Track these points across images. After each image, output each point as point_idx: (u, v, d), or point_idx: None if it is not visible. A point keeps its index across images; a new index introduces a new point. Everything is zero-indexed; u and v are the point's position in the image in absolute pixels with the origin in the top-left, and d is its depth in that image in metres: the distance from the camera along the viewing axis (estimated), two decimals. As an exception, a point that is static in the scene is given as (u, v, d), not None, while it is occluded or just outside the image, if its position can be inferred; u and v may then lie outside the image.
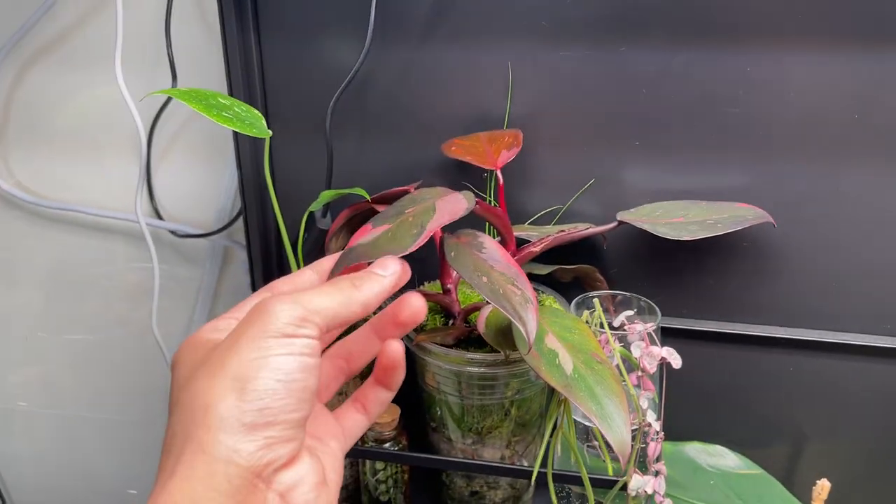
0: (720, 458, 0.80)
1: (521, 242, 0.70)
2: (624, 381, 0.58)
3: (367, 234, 0.57)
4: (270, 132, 0.64)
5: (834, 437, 0.78)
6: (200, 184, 0.88)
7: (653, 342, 0.60)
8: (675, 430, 0.80)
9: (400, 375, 0.45)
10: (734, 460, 0.80)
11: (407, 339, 0.67)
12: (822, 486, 0.76)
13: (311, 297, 0.36)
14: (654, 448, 0.60)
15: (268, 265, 0.82)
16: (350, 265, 0.56)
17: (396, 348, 0.44)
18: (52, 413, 1.06)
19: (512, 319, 0.53)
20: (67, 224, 0.94)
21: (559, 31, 0.69)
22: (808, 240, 0.71)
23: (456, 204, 0.58)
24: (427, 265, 0.77)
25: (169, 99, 0.84)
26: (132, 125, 0.77)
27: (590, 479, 0.61)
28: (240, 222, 0.87)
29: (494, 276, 0.55)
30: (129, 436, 1.05)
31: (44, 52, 0.86)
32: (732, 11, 0.65)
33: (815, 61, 0.65)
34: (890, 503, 0.79)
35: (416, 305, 0.43)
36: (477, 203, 0.62)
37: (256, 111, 0.65)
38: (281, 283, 0.42)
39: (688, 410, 0.81)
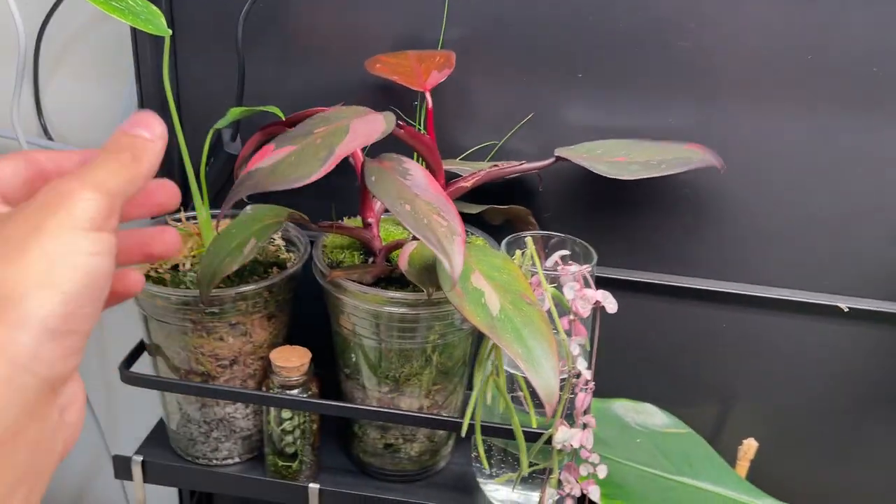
0: (648, 416, 0.77)
1: (452, 178, 0.64)
2: (555, 328, 0.54)
3: (267, 156, 0.50)
4: (170, 31, 0.56)
5: (763, 396, 0.76)
6: (96, 100, 0.79)
7: (587, 286, 0.55)
8: (603, 386, 0.77)
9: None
10: (662, 419, 0.77)
11: (321, 275, 0.60)
12: (749, 446, 0.74)
13: (105, 179, 0.30)
14: (583, 399, 0.56)
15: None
16: (245, 194, 0.48)
17: (138, 280, 0.37)
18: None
19: (436, 252, 0.47)
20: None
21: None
22: (751, 189, 0.67)
23: (372, 124, 0.51)
24: (347, 199, 0.71)
25: (56, 4, 0.73)
26: (12, 34, 0.67)
27: (516, 432, 0.56)
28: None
29: (419, 204, 0.49)
30: None
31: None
32: (689, -66, 0.60)
33: (772, -6, 0.61)
34: (815, 462, 0.78)
35: (171, 241, 0.37)
36: (402, 128, 0.56)
37: (155, 8, 0.56)
38: (42, 157, 0.34)
39: (617, 366, 0.77)
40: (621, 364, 0.77)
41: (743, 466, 0.74)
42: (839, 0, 0.61)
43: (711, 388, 0.77)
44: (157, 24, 0.55)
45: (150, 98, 0.69)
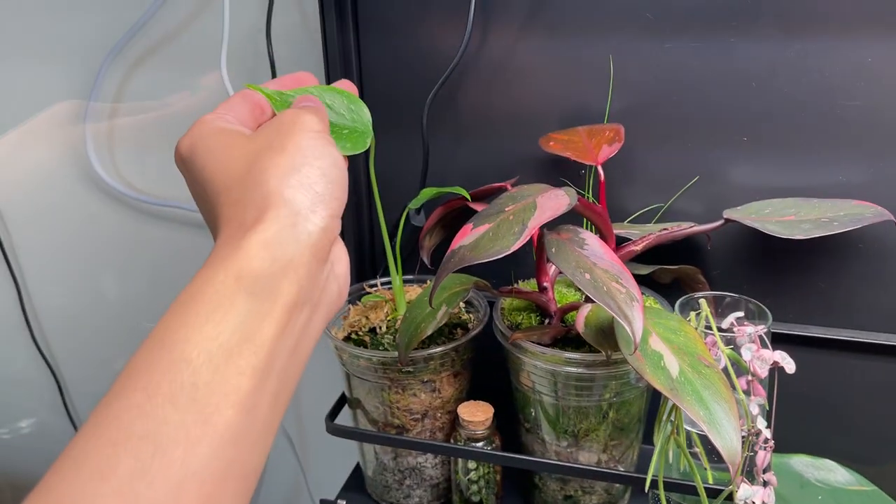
0: (829, 472, 0.76)
1: (621, 241, 0.68)
2: (733, 387, 0.56)
3: (468, 235, 0.57)
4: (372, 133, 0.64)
5: (958, 454, 0.72)
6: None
7: (763, 346, 0.57)
8: (781, 442, 0.76)
9: None
10: (844, 475, 0.75)
11: (502, 336, 0.66)
12: (943, 506, 0.71)
13: (311, 110, 0.44)
14: (763, 457, 0.57)
15: (362, 265, 0.82)
16: (453, 270, 0.55)
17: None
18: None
19: (616, 318, 0.51)
20: (170, 220, 0.97)
21: (663, 21, 0.67)
22: (934, 242, 0.66)
23: (557, 200, 0.56)
24: (521, 264, 0.76)
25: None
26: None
27: (695, 487, 0.58)
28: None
29: (597, 272, 0.54)
30: None
31: (151, 53, 0.89)
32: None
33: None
34: None
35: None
36: (579, 201, 0.61)
37: (364, 110, 0.64)
38: (255, 94, 0.47)
39: (795, 421, 0.76)
40: (799, 421, 0.76)
41: (938, 528, 0.71)
42: None
43: (895, 445, 0.74)
44: (364, 138, 0.61)
45: (355, 182, 0.78)
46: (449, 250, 0.55)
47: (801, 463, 0.76)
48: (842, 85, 0.64)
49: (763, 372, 0.56)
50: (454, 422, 0.69)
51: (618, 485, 0.69)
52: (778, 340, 0.72)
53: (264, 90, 0.48)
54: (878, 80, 0.63)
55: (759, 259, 0.72)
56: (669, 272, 0.71)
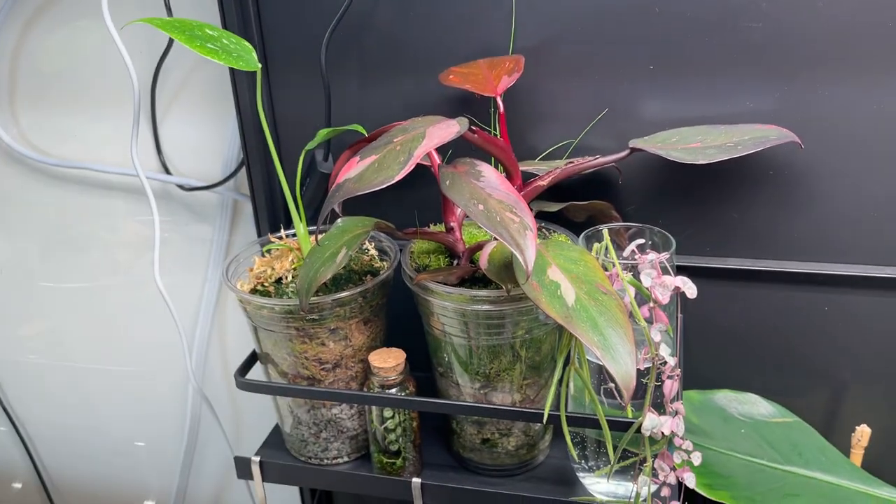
0: (752, 406, 0.76)
1: (529, 178, 0.66)
2: (636, 318, 0.54)
3: (353, 168, 0.54)
4: (260, 65, 0.61)
5: (874, 380, 0.73)
6: (207, 135, 0.86)
7: (666, 273, 0.55)
8: (704, 379, 0.76)
9: None
10: (767, 408, 0.75)
11: (408, 279, 0.64)
12: (862, 433, 0.71)
13: None
14: (670, 386, 0.56)
15: (273, 214, 0.80)
16: (336, 203, 0.53)
17: None
18: (61, 365, 1.07)
19: (509, 247, 0.49)
20: (70, 181, 0.93)
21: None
22: (840, 165, 0.65)
23: (447, 129, 0.54)
24: (432, 207, 0.75)
25: (168, 48, 0.81)
26: (128, 81, 0.75)
27: (601, 422, 0.57)
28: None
29: (492, 203, 0.52)
30: (135, 387, 1.05)
31: (45, 7, 0.84)
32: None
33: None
34: (937, 449, 0.73)
35: None
36: (476, 132, 0.59)
37: (247, 43, 0.62)
38: None
39: (716, 357, 0.76)
40: (721, 356, 0.76)
41: (857, 455, 0.72)
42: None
43: (818, 376, 0.74)
44: (249, 59, 0.61)
45: (249, 129, 0.75)
46: (333, 184, 0.53)
47: (724, 398, 0.76)
48: (744, 5, 0.62)
49: (665, 298, 0.55)
50: (366, 371, 0.67)
51: (536, 426, 0.68)
52: (695, 274, 0.71)
53: None
54: (776, 5, 0.62)
55: (672, 192, 0.70)
56: (581, 209, 0.69)
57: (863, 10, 0.60)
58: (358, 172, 0.52)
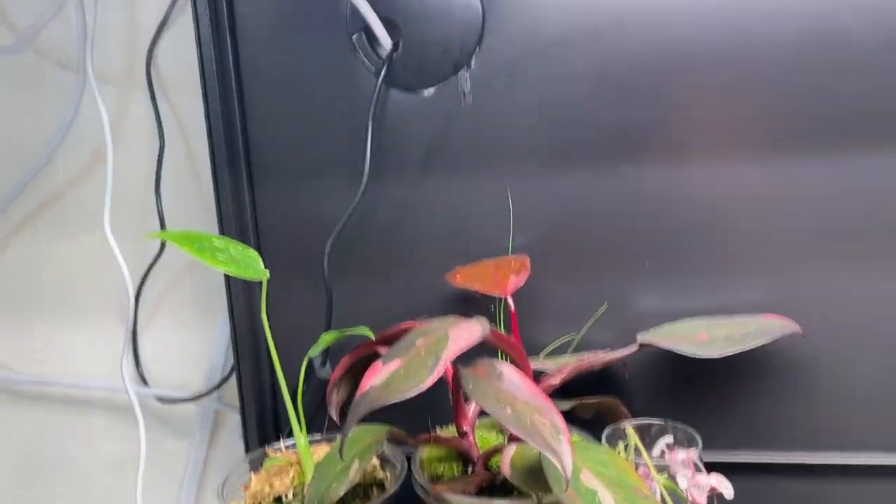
0: None
1: (538, 376, 0.65)
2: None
3: (377, 374, 0.53)
4: (267, 273, 0.61)
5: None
6: (190, 345, 0.83)
7: (698, 471, 0.54)
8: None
9: None
10: None
11: (423, 491, 0.60)
12: None
13: None
14: None
15: (263, 425, 0.76)
16: (365, 413, 0.50)
17: None
18: None
19: (543, 453, 0.47)
20: (44, 400, 0.88)
21: (557, 154, 0.68)
22: (838, 351, 0.67)
23: (470, 330, 0.54)
24: (437, 411, 0.72)
25: (157, 258, 0.81)
26: (119, 288, 0.74)
27: None
28: (231, 384, 0.82)
29: (519, 406, 0.50)
30: None
31: (33, 217, 0.84)
32: (727, 123, 0.66)
33: (818, 165, 0.65)
34: None
35: None
36: (490, 331, 0.58)
37: (252, 251, 0.62)
38: None
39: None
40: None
41: None
42: (879, 161, 0.64)
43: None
44: (256, 268, 0.60)
45: (242, 334, 0.73)
46: (358, 393, 0.50)
47: None
48: (730, 204, 0.66)
49: (702, 499, 0.52)
50: None
51: None
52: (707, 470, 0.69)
53: None
54: (764, 198, 0.66)
55: (678, 385, 0.70)
56: (590, 406, 0.68)
57: (837, 207, 0.65)
58: (384, 379, 0.50)
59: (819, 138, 0.64)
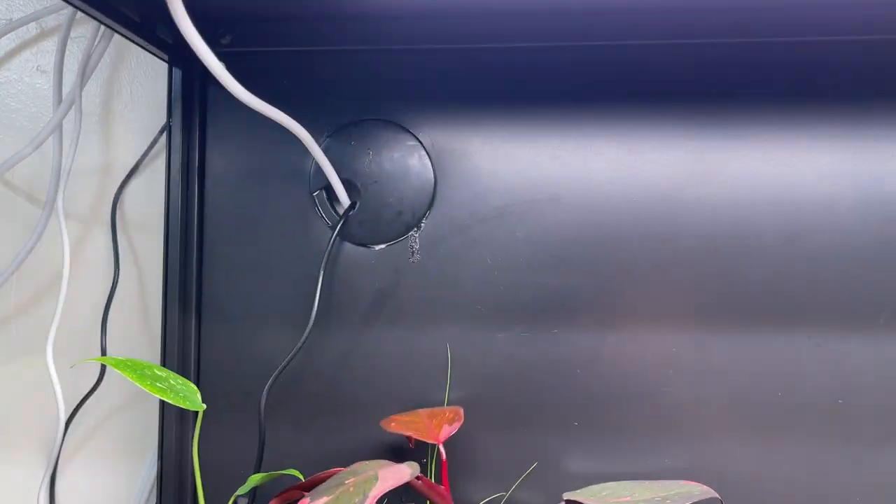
0: None
1: (465, 530, 0.65)
2: None
3: (303, 509, 0.53)
4: (204, 406, 0.62)
5: None
6: (112, 484, 0.81)
7: None
8: None
9: None
10: None
11: None
12: None
13: None
14: None
15: (178, 573, 0.72)
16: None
17: None
18: None
19: None
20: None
21: (494, 313, 0.73)
22: (759, 522, 0.69)
23: (399, 472, 0.55)
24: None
25: (92, 390, 0.80)
26: (50, 420, 0.72)
27: None
28: (151, 527, 0.79)
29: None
30: None
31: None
32: (656, 295, 0.71)
33: (736, 341, 0.70)
34: None
35: None
36: (420, 479, 0.59)
37: (192, 385, 0.63)
38: None
39: None
40: None
41: None
42: (789, 339, 0.70)
43: None
44: (193, 399, 0.61)
45: (169, 472, 0.72)
46: (281, 527, 0.50)
47: None
48: (654, 372, 0.71)
49: None
50: None
51: None
52: None
53: None
54: (684, 370, 0.71)
55: (603, 549, 0.70)
56: (516, 566, 0.68)
57: (754, 381, 0.70)
58: (310, 515, 0.50)
59: (731, 316, 0.71)
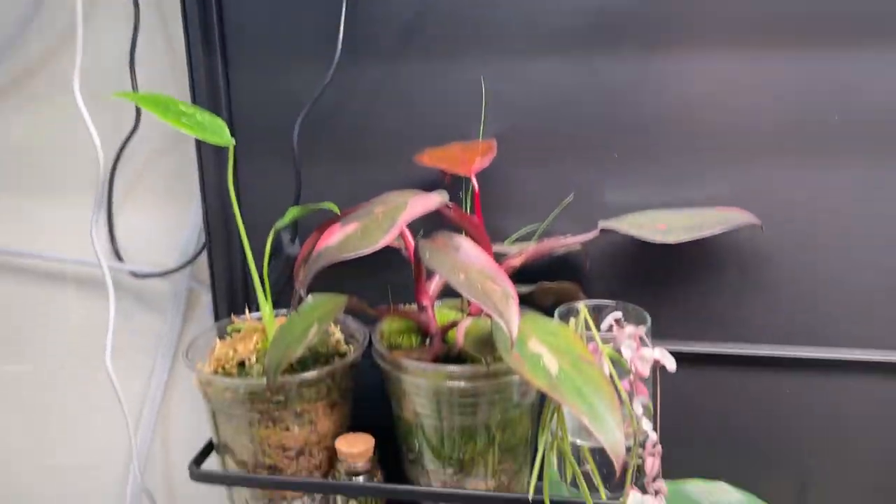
0: (722, 494, 0.74)
1: (499, 259, 0.66)
2: (617, 391, 0.54)
3: (334, 235, 0.54)
4: (234, 140, 0.61)
5: (842, 464, 0.73)
6: (164, 223, 0.84)
7: (644, 345, 0.56)
8: (674, 467, 0.75)
9: None
10: (737, 497, 0.74)
11: (380, 357, 0.62)
12: (834, 519, 0.71)
13: None
14: (652, 464, 0.55)
15: (233, 300, 0.77)
16: (318, 269, 0.52)
17: None
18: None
19: (492, 315, 0.49)
20: (12, 271, 0.89)
21: (531, 44, 0.68)
22: (800, 247, 0.68)
23: (428, 199, 0.55)
24: (402, 291, 0.74)
25: (130, 135, 0.81)
26: (92, 162, 0.73)
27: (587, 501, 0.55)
28: (204, 262, 0.83)
29: (473, 273, 0.52)
30: (74, 482, 0.97)
31: (3, 92, 0.83)
32: (703, 16, 0.65)
33: (791, 62, 0.65)
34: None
35: None
36: (452, 208, 0.60)
37: (220, 119, 0.62)
38: None
39: (684, 445, 0.75)
40: (690, 442, 0.75)
41: (831, 542, 0.71)
42: (852, 58, 0.64)
43: (785, 461, 0.74)
44: (222, 134, 0.61)
45: (214, 211, 0.74)
46: (314, 251, 0.52)
47: (696, 488, 0.75)
48: (701, 99, 0.67)
49: (645, 370, 0.54)
50: (332, 458, 0.64)
51: (510, 516, 0.65)
52: (662, 358, 0.71)
53: None
54: (734, 93, 0.66)
55: (638, 274, 0.72)
56: (550, 291, 0.70)
57: (809, 103, 0.65)
58: (340, 240, 0.51)
59: (786, 34, 0.64)
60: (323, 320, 0.59)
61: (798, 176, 0.67)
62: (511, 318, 0.49)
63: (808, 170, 0.66)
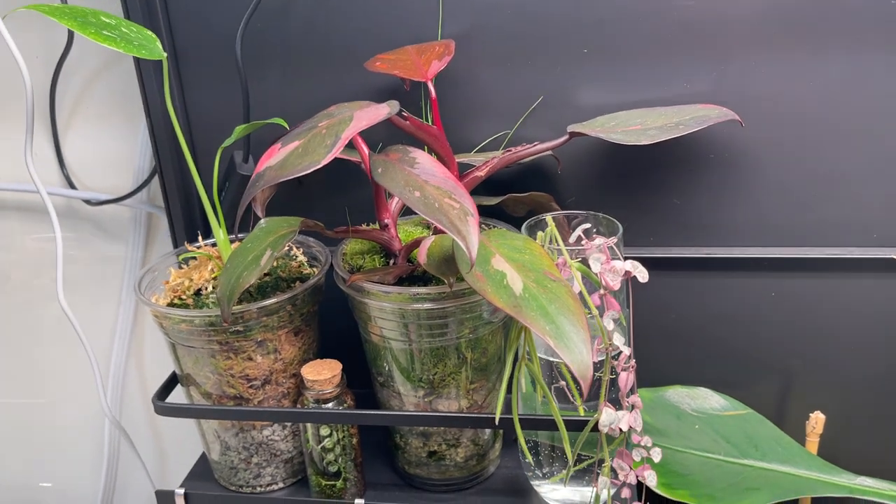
0: (704, 400, 0.73)
1: (464, 169, 0.62)
2: (587, 307, 0.51)
3: (274, 155, 0.50)
4: (165, 54, 0.56)
5: (824, 365, 0.71)
6: (115, 145, 0.80)
7: (615, 258, 0.52)
8: (654, 375, 0.74)
9: None
10: (719, 401, 0.73)
11: (341, 281, 0.59)
12: (817, 420, 0.70)
13: None
14: (625, 378, 0.53)
15: (191, 225, 0.74)
16: (258, 191, 0.48)
17: None
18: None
19: (450, 234, 0.46)
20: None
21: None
22: (781, 144, 0.64)
23: (375, 111, 0.50)
24: (365, 209, 0.70)
25: (67, 50, 0.75)
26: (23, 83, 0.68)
27: (556, 420, 0.53)
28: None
29: (429, 190, 0.48)
30: (40, 422, 0.96)
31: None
32: None
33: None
34: (890, 430, 0.72)
35: None
36: (407, 118, 0.55)
37: (149, 32, 0.57)
38: None
39: (665, 352, 0.74)
40: (667, 350, 0.74)
41: (813, 442, 0.70)
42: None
43: (768, 364, 0.73)
44: (152, 48, 0.55)
45: (160, 131, 0.69)
46: (254, 173, 0.48)
47: (676, 394, 0.74)
48: (676, -15, 0.61)
49: (615, 284, 0.51)
50: (299, 386, 0.62)
51: (486, 434, 0.64)
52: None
53: None
54: (711, -22, 0.60)
55: (612, 181, 0.68)
56: (521, 202, 0.66)
57: (793, -14, 0.60)
58: (280, 159, 0.47)
59: None
60: (275, 245, 0.55)
61: (780, 68, 0.62)
62: (469, 236, 0.45)
63: (791, 62, 0.62)
